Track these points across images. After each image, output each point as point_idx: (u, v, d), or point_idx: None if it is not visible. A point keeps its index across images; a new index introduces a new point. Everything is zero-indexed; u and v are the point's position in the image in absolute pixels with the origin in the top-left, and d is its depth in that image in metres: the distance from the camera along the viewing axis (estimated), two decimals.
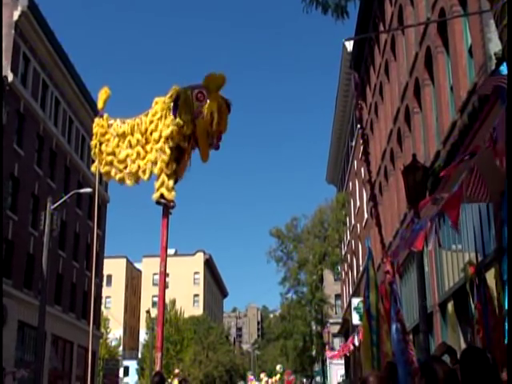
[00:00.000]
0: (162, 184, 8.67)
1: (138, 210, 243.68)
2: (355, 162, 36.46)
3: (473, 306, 10.03)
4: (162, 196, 8.73)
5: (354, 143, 36.45)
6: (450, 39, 15.36)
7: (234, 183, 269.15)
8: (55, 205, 28.78)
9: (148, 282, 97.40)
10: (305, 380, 61.42)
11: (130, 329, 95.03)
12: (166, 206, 8.75)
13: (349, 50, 33.18)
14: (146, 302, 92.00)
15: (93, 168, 9.79)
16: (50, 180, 37.57)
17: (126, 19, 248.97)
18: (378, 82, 26.77)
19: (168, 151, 8.63)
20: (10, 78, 31.27)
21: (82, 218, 43.50)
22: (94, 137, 9.72)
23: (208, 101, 8.51)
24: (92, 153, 9.82)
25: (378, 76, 26.97)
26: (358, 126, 27.20)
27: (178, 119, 8.57)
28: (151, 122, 8.86)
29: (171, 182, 8.74)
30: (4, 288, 29.82)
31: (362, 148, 19.84)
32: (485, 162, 6.74)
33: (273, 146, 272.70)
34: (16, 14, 32.15)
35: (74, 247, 42.10)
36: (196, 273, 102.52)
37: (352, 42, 31.14)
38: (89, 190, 33.96)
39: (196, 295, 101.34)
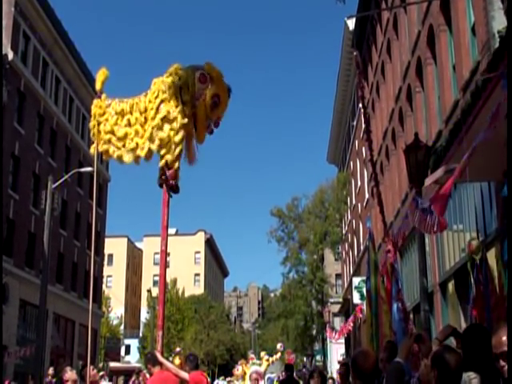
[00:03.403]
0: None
1: (139, 190, 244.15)
2: (356, 142, 36.38)
3: (473, 286, 10.03)
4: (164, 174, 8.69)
5: (355, 123, 36.33)
6: (452, 17, 15.23)
7: (235, 163, 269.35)
8: (56, 184, 28.75)
9: (149, 261, 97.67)
10: (305, 359, 61.75)
11: (132, 308, 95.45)
12: (167, 185, 8.70)
13: (350, 28, 32.90)
14: (147, 281, 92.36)
15: (92, 149, 9.74)
16: (50, 159, 37.53)
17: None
18: (380, 60, 26.62)
19: (168, 131, 8.56)
20: (10, 56, 31.12)
21: (83, 198, 43.51)
22: (92, 118, 9.68)
23: (210, 84, 8.46)
24: (91, 134, 9.78)
25: (379, 55, 26.81)
26: (360, 105, 27.11)
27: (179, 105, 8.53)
28: (150, 101, 8.81)
29: (176, 165, 8.71)
30: (5, 267, 29.91)
31: (363, 127, 19.78)
32: (487, 141, 6.71)
33: (274, 125, 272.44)
34: None
35: (75, 226, 42.17)
36: (197, 252, 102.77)
37: (354, 21, 30.88)
38: (89, 169, 33.90)
39: (197, 274, 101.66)
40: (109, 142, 9.24)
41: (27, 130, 33.93)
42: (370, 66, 29.75)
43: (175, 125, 8.52)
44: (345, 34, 35.14)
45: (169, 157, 8.57)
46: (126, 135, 9.05)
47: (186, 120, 8.53)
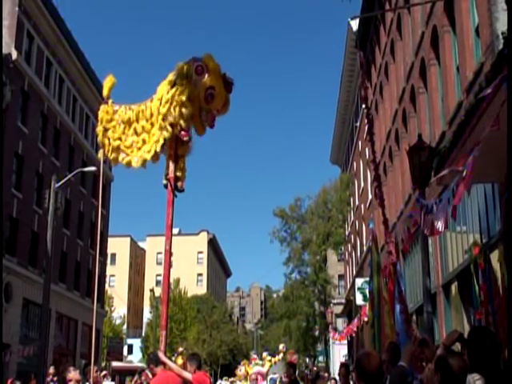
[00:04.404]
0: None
1: (142, 190, 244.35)
2: (359, 143, 36.35)
3: (477, 287, 10.04)
4: (168, 174, 8.72)
5: (358, 123, 36.30)
6: (456, 18, 15.21)
7: (238, 163, 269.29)
8: (59, 183, 28.78)
9: (152, 260, 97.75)
10: (307, 360, 61.68)
11: (134, 307, 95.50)
12: (171, 184, 8.72)
13: (354, 29, 32.87)
14: (149, 281, 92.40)
15: (99, 154, 9.82)
16: (54, 158, 37.58)
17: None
18: (384, 61, 26.60)
19: (170, 129, 8.57)
20: (14, 55, 31.16)
21: (86, 197, 43.54)
22: (99, 123, 9.73)
23: (206, 76, 8.46)
24: (98, 139, 9.83)
25: (383, 56, 26.78)
26: (363, 105, 27.09)
27: (177, 93, 8.53)
28: (156, 106, 8.84)
29: (181, 164, 8.73)
30: (9, 265, 29.97)
31: (366, 128, 19.75)
32: (491, 142, 6.72)
33: (277, 125, 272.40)
34: None
35: (79, 226, 42.21)
36: (200, 252, 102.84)
37: (357, 21, 30.87)
38: (93, 168, 33.94)
39: (200, 274, 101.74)
40: (117, 149, 9.31)
41: (31, 130, 33.97)
42: (374, 67, 29.73)
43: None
44: (348, 35, 35.12)
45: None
46: (132, 144, 9.10)
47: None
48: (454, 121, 13.86)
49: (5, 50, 29.38)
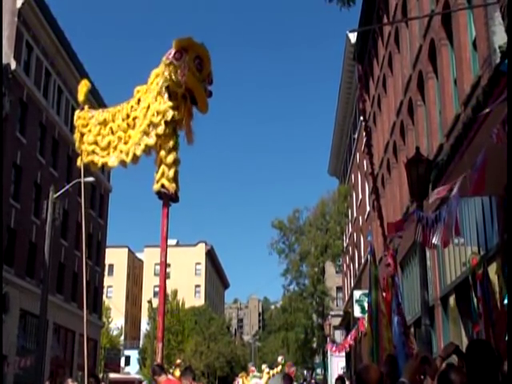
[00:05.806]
0: (163, 175, 8.66)
1: (140, 200, 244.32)
2: (358, 155, 36.40)
3: (475, 300, 10.03)
4: (162, 186, 8.71)
5: (356, 135, 36.37)
6: (454, 32, 15.28)
7: (236, 175, 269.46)
8: (57, 194, 28.76)
9: (150, 271, 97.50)
10: (305, 372, 61.51)
11: (132, 318, 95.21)
12: (166, 196, 8.72)
13: (352, 41, 33.03)
14: (147, 292, 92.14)
15: (78, 162, 9.83)
16: (52, 169, 37.57)
17: (128, 7, 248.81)
18: (382, 74, 26.69)
19: (155, 137, 8.61)
20: (13, 66, 31.22)
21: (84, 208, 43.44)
22: (76, 130, 9.77)
23: (186, 54, 8.52)
24: (76, 147, 9.85)
25: (381, 68, 26.87)
26: (361, 118, 27.16)
27: (168, 103, 8.57)
28: (132, 107, 8.87)
29: (171, 172, 8.70)
30: (6, 276, 29.87)
31: (364, 140, 19.82)
32: (490, 155, 6.73)
33: (275, 137, 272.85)
34: (19, 2, 32.07)
35: (76, 236, 42.08)
36: (197, 263, 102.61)
37: (356, 34, 31.01)
38: (91, 179, 33.83)
39: (197, 286, 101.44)
40: (93, 152, 9.34)
41: (29, 140, 33.97)
42: (372, 80, 29.81)
43: (160, 130, 8.57)
44: (346, 48, 35.26)
45: (164, 181, 8.62)
46: (109, 144, 9.15)
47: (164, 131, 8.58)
48: (452, 133, 13.89)
49: (4, 61, 29.43)
